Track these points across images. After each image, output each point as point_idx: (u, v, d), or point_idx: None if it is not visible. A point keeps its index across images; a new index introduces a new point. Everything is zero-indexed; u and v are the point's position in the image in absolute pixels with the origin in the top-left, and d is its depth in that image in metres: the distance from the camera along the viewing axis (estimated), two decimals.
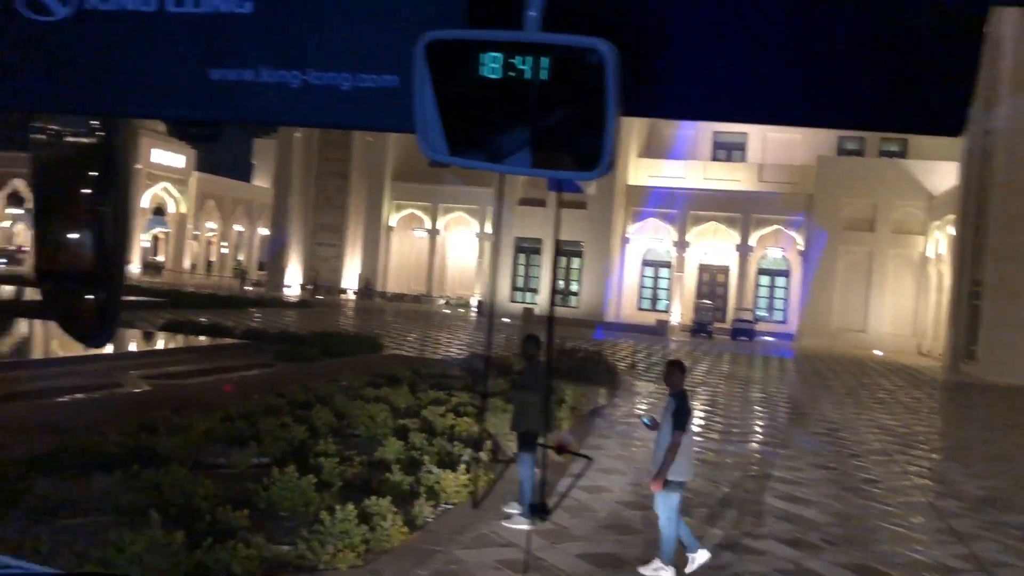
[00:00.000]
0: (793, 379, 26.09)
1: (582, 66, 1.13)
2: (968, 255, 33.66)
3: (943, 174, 42.18)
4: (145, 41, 1.34)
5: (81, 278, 1.58)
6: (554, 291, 47.34)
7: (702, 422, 15.55)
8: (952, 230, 37.59)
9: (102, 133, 1.55)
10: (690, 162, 49.90)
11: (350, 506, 6.98)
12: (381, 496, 7.66)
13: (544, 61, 1.15)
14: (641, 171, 49.76)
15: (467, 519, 8.09)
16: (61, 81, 1.39)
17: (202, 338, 21.13)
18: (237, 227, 73.42)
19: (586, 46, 1.13)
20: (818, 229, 44.78)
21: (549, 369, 14.35)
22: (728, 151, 52.27)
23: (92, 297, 1.60)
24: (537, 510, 2.13)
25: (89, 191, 1.57)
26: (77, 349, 19.62)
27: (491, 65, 1.16)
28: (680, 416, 6.90)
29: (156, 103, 1.38)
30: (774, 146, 51.44)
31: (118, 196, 1.55)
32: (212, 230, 71.43)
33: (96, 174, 1.55)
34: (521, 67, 1.15)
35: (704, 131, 52.48)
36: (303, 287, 55.00)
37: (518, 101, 1.16)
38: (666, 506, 6.90)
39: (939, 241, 40.92)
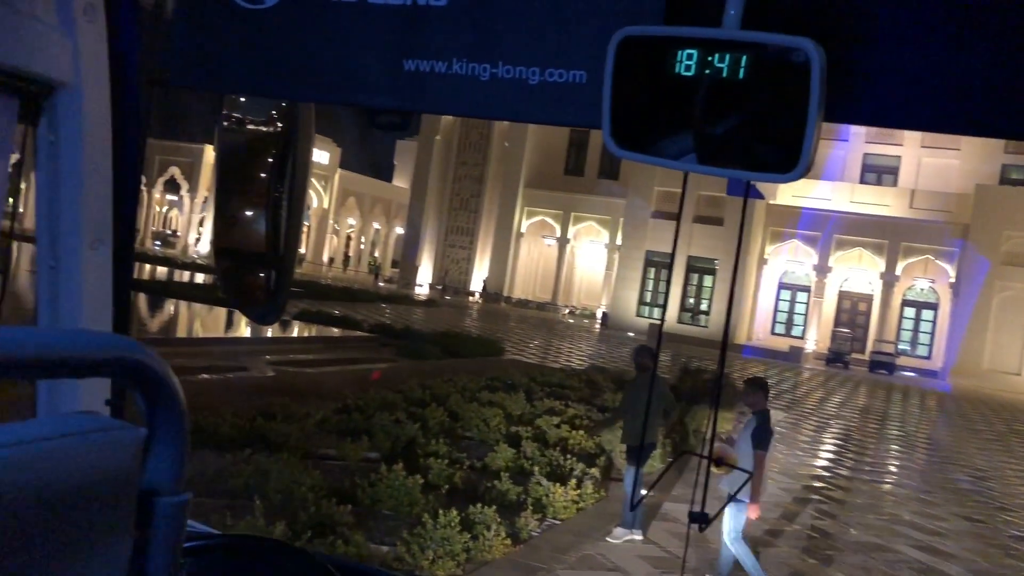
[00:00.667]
0: (937, 419, 24.35)
1: (784, 65, 1.10)
2: None
3: None
4: (345, 30, 1.39)
5: (256, 258, 1.68)
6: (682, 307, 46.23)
7: (831, 455, 14.60)
8: None
9: (283, 123, 1.66)
10: (837, 184, 47.61)
11: (453, 512, 6.77)
12: (487, 504, 7.43)
13: (743, 59, 1.12)
14: (784, 190, 47.98)
15: (574, 537, 7.73)
16: (265, 67, 1.45)
17: (333, 330, 21.62)
18: (375, 225, 75.57)
19: (792, 45, 1.09)
20: (973, 262, 41.94)
21: (672, 388, 13.83)
22: (879, 174, 49.72)
23: (264, 276, 1.70)
24: (697, 518, 2.06)
25: (268, 176, 1.67)
26: (211, 330, 20.50)
27: (686, 62, 1.14)
28: (761, 436, 6.68)
29: (352, 91, 1.42)
30: (928, 171, 48.59)
31: (295, 183, 1.64)
32: (351, 226, 73.79)
33: (276, 160, 1.65)
34: (719, 65, 1.12)
35: (855, 152, 50.18)
36: (432, 287, 55.93)
37: (713, 100, 1.14)
38: (736, 522, 6.68)
39: None
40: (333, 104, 1.54)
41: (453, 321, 32.41)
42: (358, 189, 70.99)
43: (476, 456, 9.63)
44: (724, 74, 1.12)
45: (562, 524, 8.02)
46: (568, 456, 10.06)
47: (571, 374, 18.46)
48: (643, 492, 8.09)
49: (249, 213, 1.71)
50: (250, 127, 1.68)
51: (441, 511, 6.76)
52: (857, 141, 49.70)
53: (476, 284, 56.58)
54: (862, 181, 49.14)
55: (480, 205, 57.20)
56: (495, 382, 14.74)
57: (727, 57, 1.12)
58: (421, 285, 56.34)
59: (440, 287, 55.29)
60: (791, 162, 1.11)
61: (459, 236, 57.81)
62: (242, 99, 1.66)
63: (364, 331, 21.86)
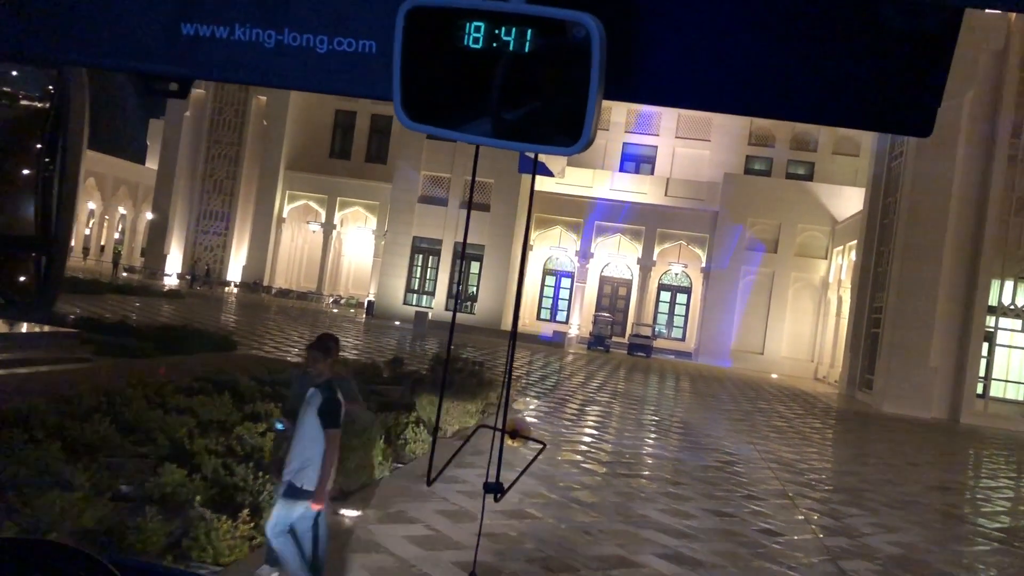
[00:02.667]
0: (689, 401, 24.64)
1: (567, 40, 1.13)
2: (869, 282, 33.12)
3: (848, 199, 42.02)
4: None
5: (23, 242, 1.58)
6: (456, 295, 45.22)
7: (585, 447, 13.68)
8: (854, 256, 37.19)
9: (53, 94, 1.55)
10: (598, 171, 48.49)
11: None
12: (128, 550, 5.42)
13: (529, 33, 1.14)
14: (545, 180, 48.13)
15: None
16: (28, 28, 1.36)
17: (22, 325, 18.17)
18: (121, 210, 68.65)
19: (572, 19, 1.12)
20: (721, 247, 44.06)
21: (415, 381, 12.27)
22: (637, 163, 51.22)
23: (33, 263, 1.60)
24: (491, 488, 2.24)
25: (37, 152, 1.58)
26: None
27: (474, 35, 1.15)
28: (329, 411, 5.57)
29: (125, 56, 1.35)
30: (683, 161, 50.67)
31: (68, 159, 1.55)
32: (91, 211, 66.54)
33: (46, 135, 1.56)
34: (506, 38, 1.14)
35: (615, 141, 51.34)
36: (182, 276, 51.32)
37: (500, 73, 1.15)
38: (287, 515, 5.64)
39: (841, 267, 40.58)
40: (104, 70, 1.44)
41: (190, 314, 29.18)
42: (98, 169, 64.05)
43: (137, 480, 7.51)
44: (511, 48, 1.13)
45: (223, 572, 6.13)
46: (263, 473, 8.14)
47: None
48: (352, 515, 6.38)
49: (15, 193, 1.62)
50: (15, 99, 1.59)
51: None
52: (616, 131, 50.89)
53: (234, 273, 52.61)
54: (622, 169, 50.38)
55: (236, 188, 53.17)
56: (202, 383, 12.46)
57: (513, 31, 1.13)
58: (170, 275, 51.52)
59: (190, 277, 50.80)
60: (574, 135, 1.13)
61: (213, 221, 53.47)
62: (5, 66, 1.56)
63: (67, 326, 18.56)
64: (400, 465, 10.38)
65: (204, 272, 51.28)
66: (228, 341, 19.91)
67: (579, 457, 12.94)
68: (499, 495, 2.30)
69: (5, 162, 1.64)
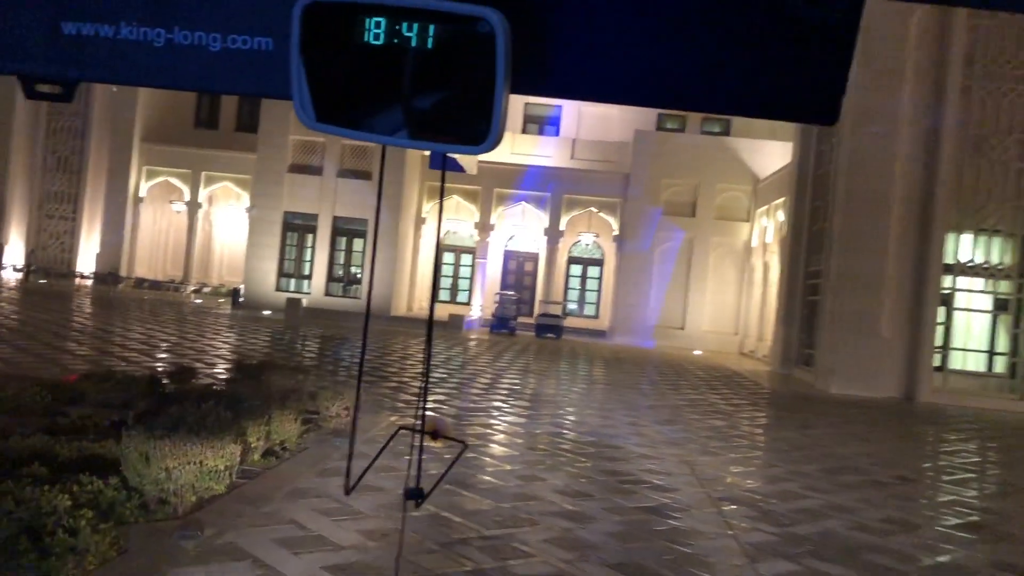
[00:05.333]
0: (600, 396, 19.86)
1: (471, 36, 1.10)
2: (803, 244, 28.99)
3: (770, 154, 37.96)
4: None
5: None
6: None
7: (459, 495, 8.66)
8: (782, 216, 33.10)
9: None
10: None
11: None
12: None
13: (431, 28, 1.10)
14: None
15: None
16: None
17: None
18: None
19: (475, 15, 1.09)
20: (634, 213, 39.60)
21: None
22: (540, 125, 46.27)
23: None
24: (412, 494, 2.08)
25: None
26: None
27: (375, 31, 1.11)
28: None
29: (1, 56, 1.26)
30: (590, 121, 45.94)
31: None
32: None
33: None
34: (408, 34, 1.11)
35: (516, 101, 46.19)
36: (23, 268, 44.21)
37: (403, 70, 1.12)
38: None
39: (766, 229, 36.54)
40: None
41: None
42: None
43: None
44: (413, 43, 1.10)
45: None
46: None
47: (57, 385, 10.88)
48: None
49: None
50: None
51: None
52: None
53: (87, 262, 45.72)
54: (524, 132, 45.35)
55: (84, 164, 46.18)
56: None
57: (415, 26, 1.09)
58: (4, 267, 44.30)
59: (30, 268, 43.79)
60: (482, 134, 1.13)
61: (58, 204, 46.41)
62: None
63: None
64: None
65: (32, 263, 44.16)
66: None
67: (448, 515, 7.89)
68: (420, 500, 2.14)
69: None
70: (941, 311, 24.37)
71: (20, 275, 43.39)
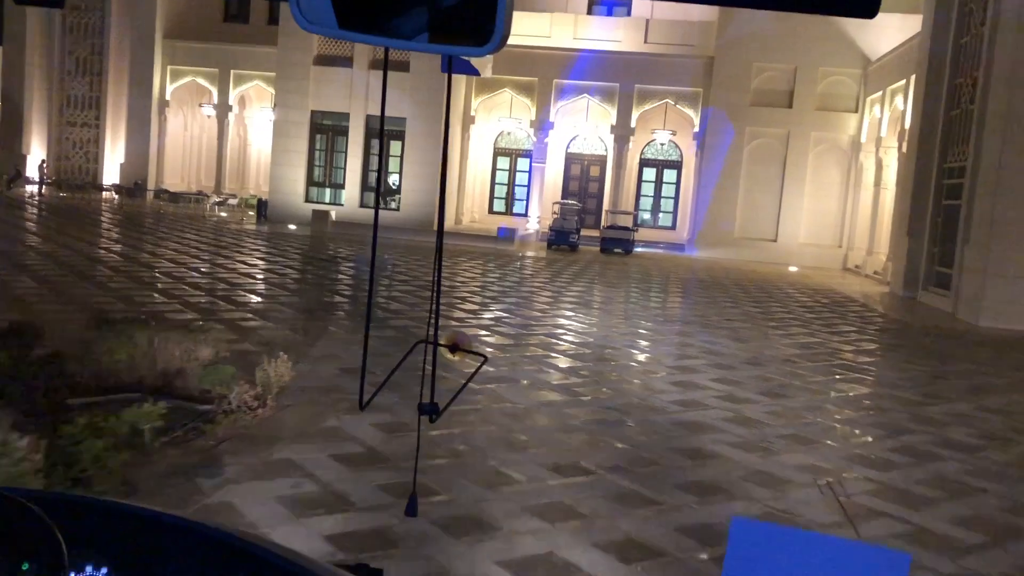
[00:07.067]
0: (679, 331, 14.82)
1: None
2: (937, 134, 22.89)
3: (885, 29, 31.06)
4: None
5: None
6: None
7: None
8: (904, 102, 26.81)
9: None
10: (557, 16, 37.20)
11: None
12: None
13: None
14: None
15: None
16: None
17: None
18: None
19: None
20: (718, 105, 33.57)
21: None
22: (608, 3, 39.92)
23: None
24: (426, 409, 1.95)
25: None
26: None
27: None
28: None
29: None
30: None
31: None
32: None
33: None
34: None
35: None
36: (43, 181, 40.73)
37: None
38: None
39: (880, 120, 30.18)
40: None
41: None
42: None
43: None
44: None
45: None
46: None
47: None
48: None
49: None
50: None
51: None
52: None
53: (112, 173, 42.03)
54: (590, 12, 39.14)
55: (105, 65, 42.01)
56: None
57: None
58: (29, 180, 40.86)
59: (53, 180, 40.30)
60: (487, 32, 1.04)
61: (80, 111, 42.53)
62: None
63: None
64: None
65: (44, 174, 40.55)
66: None
67: None
68: (435, 416, 2.08)
69: None
70: None
71: (35, 188, 39.90)
